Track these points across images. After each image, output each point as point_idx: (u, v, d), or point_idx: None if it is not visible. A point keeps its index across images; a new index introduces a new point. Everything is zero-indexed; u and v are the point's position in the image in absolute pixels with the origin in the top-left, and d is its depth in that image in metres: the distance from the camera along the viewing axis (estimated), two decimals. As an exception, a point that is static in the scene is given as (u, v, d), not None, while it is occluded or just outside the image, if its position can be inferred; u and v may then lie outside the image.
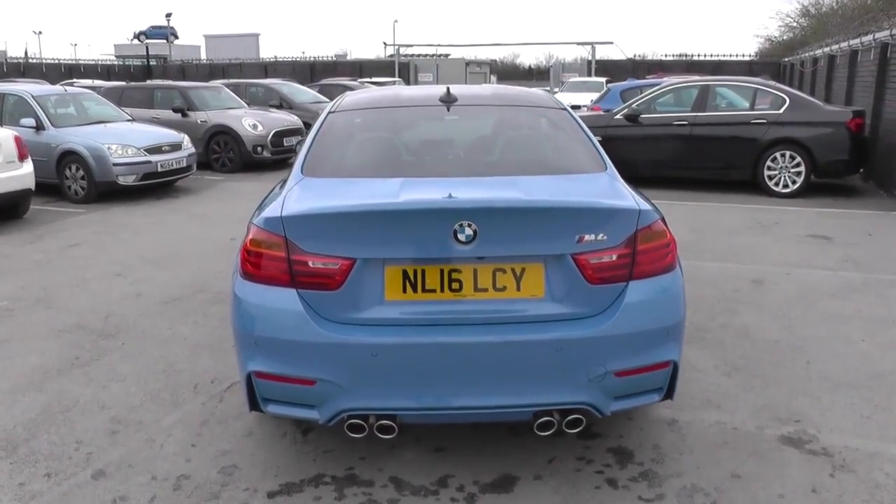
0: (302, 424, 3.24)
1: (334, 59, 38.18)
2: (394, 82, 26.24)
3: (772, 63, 33.04)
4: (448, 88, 3.49)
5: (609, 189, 2.77)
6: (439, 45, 39.10)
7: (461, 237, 2.37)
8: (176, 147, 9.26)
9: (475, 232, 2.37)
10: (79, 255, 6.36)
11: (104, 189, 8.62)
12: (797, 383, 3.73)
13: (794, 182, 8.82)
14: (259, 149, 11.51)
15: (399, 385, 2.43)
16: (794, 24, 33.27)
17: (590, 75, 34.40)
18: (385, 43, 52.57)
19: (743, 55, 39.24)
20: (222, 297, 5.10)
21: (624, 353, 2.52)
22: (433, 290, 2.45)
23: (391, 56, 38.55)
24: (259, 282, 2.53)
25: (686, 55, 40.47)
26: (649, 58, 43.43)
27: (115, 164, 8.47)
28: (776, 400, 3.55)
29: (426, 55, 41.33)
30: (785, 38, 34.59)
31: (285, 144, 11.96)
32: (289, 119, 12.44)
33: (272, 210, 2.57)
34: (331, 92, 17.04)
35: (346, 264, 2.41)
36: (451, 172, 2.95)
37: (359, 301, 2.44)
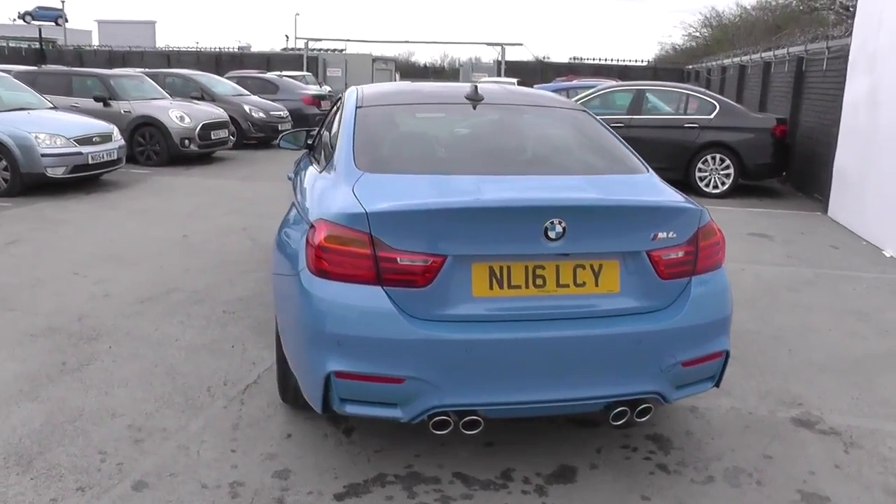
0: (342, 424, 3.18)
1: (239, 51, 36.90)
2: (303, 77, 25.68)
3: (674, 69, 34.90)
4: (476, 87, 3.52)
5: (666, 189, 2.89)
6: (348, 41, 38.64)
7: (551, 234, 2.41)
8: (106, 138, 8.70)
9: (564, 229, 2.42)
10: (21, 254, 5.88)
11: (30, 182, 7.96)
12: (787, 370, 4.02)
13: (723, 183, 9.42)
14: (186, 142, 11.01)
15: (487, 380, 2.44)
16: (697, 34, 35.42)
17: (499, 76, 34.99)
18: (286, 35, 51.37)
19: (640, 60, 41.26)
20: (200, 297, 4.89)
21: (691, 343, 2.65)
22: (518, 287, 2.48)
23: (299, 49, 37.71)
24: (337, 279, 2.46)
25: (577, 58, 41.88)
26: (554, 60, 44.72)
27: (43, 155, 7.85)
28: (775, 386, 3.81)
29: (330, 50, 40.66)
30: (687, 46, 36.71)
31: (213, 138, 11.52)
32: (215, 112, 11.98)
33: (349, 206, 2.50)
34: (249, 85, 16.50)
35: (437, 261, 2.39)
36: (513, 171, 2.97)
37: (447, 298, 2.43)
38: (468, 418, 2.47)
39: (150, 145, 10.93)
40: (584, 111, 3.68)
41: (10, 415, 3.24)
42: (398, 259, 2.39)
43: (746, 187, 9.96)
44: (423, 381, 2.39)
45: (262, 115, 13.75)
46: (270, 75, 19.19)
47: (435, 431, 2.51)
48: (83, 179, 8.62)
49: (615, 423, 2.65)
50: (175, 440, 3.06)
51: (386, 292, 2.41)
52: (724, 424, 3.36)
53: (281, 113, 14.34)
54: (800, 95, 10.60)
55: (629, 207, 2.57)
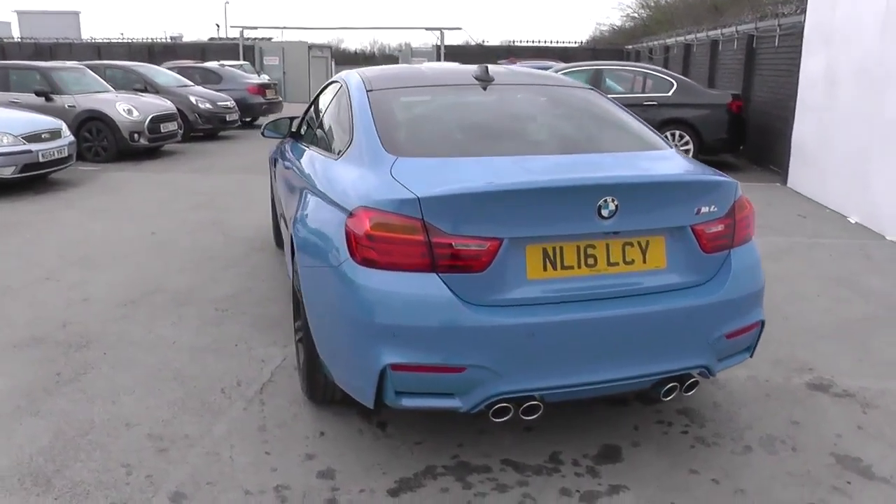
0: (374, 418, 3.09)
1: (171, 41, 35.57)
2: (241, 66, 25.01)
3: (614, 50, 35.36)
4: (487, 68, 3.46)
5: (695, 163, 2.90)
6: (284, 28, 37.62)
7: (604, 212, 2.38)
8: (56, 135, 8.23)
9: (616, 207, 2.39)
10: (-18, 260, 5.51)
11: (-24, 183, 7.49)
12: (789, 337, 4.13)
13: (683, 159, 9.62)
14: (136, 136, 10.56)
15: (547, 364, 2.40)
16: (635, 14, 36.02)
17: (439, 60, 34.77)
18: (217, 24, 49.74)
19: (575, 42, 41.76)
20: (186, 297, 4.69)
21: (734, 315, 2.67)
22: (571, 267, 2.45)
23: (233, 39, 36.61)
24: (387, 268, 2.36)
25: (516, 41, 42.10)
26: (493, 44, 44.79)
27: (-10, 155, 7.38)
28: (782, 353, 3.90)
29: (263, 38, 39.64)
30: (626, 26, 37.32)
31: (163, 131, 11.08)
32: (163, 104, 11.52)
33: (395, 191, 2.41)
34: (191, 75, 15.94)
35: (493, 245, 2.33)
36: (546, 150, 2.93)
37: (503, 282, 2.37)
38: (528, 404, 2.43)
39: (98, 140, 10.43)
40: (593, 90, 3.67)
41: (13, 433, 3.02)
42: (453, 244, 2.32)
43: (704, 162, 10.20)
44: (485, 368, 2.33)
45: (208, 106, 13.30)
46: (212, 65, 18.55)
47: (494, 419, 2.46)
48: (32, 179, 8.16)
49: (665, 399, 2.66)
50: (202, 446, 2.91)
51: (442, 279, 2.33)
52: (746, 394, 3.42)
53: (228, 103, 13.90)
54: (751, 72, 10.90)
55: (676, 182, 2.57)
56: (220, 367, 3.66)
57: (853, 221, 6.92)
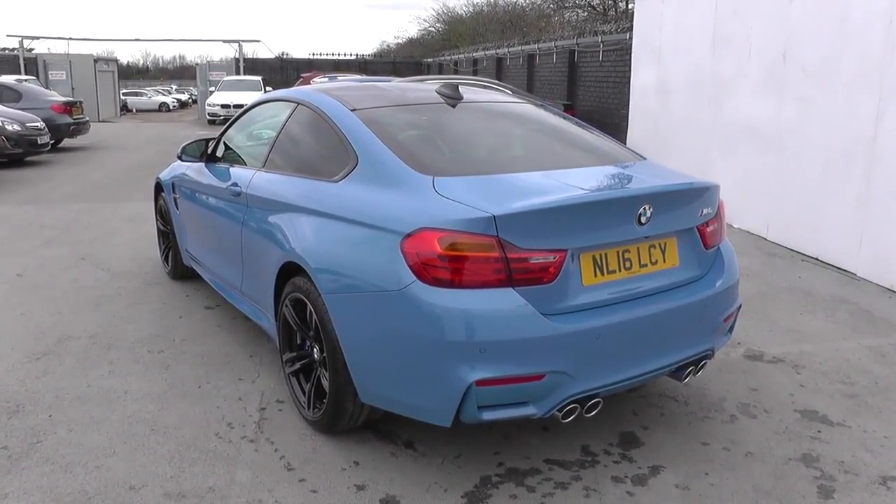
0: (397, 440, 3.08)
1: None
2: (27, 81, 22.53)
3: (413, 62, 36.64)
4: (456, 86, 3.58)
5: (677, 170, 3.26)
6: (70, 39, 34.10)
7: (643, 219, 2.63)
8: None
9: (651, 214, 2.65)
10: None
11: None
12: (705, 318, 4.71)
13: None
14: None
15: (608, 362, 2.58)
16: (432, 28, 37.36)
17: (238, 74, 33.77)
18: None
19: (368, 55, 42.70)
20: (105, 341, 4.26)
21: (729, 301, 3.06)
22: (614, 271, 2.65)
23: (11, 49, 32.64)
24: (463, 286, 2.40)
25: (316, 53, 42.25)
26: (294, 56, 44.19)
27: None
28: (708, 332, 4.45)
29: (32, 50, 35.76)
30: (424, 40, 38.60)
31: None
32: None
33: (461, 211, 2.44)
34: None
35: (560, 256, 2.47)
36: (560, 164, 3.08)
37: (566, 290, 2.52)
38: (592, 401, 2.60)
39: None
40: (542, 104, 3.93)
41: (-9, 519, 2.60)
42: (529, 259, 2.43)
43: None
44: (563, 373, 2.46)
45: (17, 127, 11.76)
46: (8, 79, 16.42)
47: (563, 420, 2.60)
48: None
49: (684, 381, 2.98)
50: (237, 497, 2.71)
51: (519, 293, 2.43)
52: (704, 372, 3.85)
53: (37, 124, 12.39)
54: (575, 83, 11.95)
55: (693, 189, 2.88)
56: (197, 411, 3.39)
57: (700, 213, 7.93)
